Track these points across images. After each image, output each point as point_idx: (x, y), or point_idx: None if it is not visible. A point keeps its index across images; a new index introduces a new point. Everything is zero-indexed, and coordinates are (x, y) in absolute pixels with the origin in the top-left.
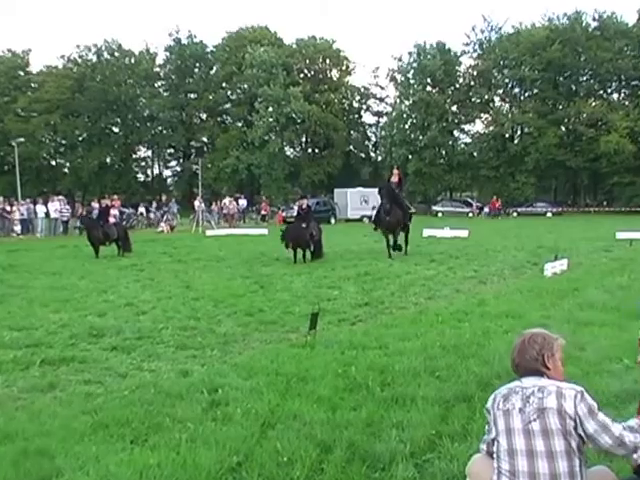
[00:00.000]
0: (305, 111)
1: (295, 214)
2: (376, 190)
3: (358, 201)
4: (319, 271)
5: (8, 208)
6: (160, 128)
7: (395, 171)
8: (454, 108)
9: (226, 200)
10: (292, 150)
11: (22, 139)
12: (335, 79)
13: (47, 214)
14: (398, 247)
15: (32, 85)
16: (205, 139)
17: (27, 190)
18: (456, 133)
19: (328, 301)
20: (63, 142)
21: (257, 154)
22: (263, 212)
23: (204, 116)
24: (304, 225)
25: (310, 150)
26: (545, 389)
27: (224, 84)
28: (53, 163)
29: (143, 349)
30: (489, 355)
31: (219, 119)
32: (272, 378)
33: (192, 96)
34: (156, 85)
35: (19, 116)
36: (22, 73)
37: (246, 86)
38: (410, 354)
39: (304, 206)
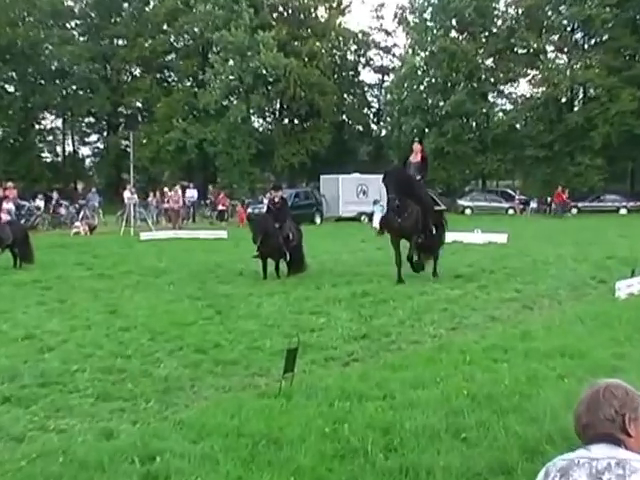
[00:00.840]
0: (280, 66)
1: (265, 211)
2: (380, 177)
3: (354, 192)
4: (299, 290)
5: None
6: (74, 87)
7: (416, 146)
8: (489, 62)
9: (171, 191)
10: (262, 121)
11: None
12: (322, 21)
13: None
14: (417, 266)
15: None
16: (139, 104)
17: None
18: (492, 97)
19: (311, 332)
20: None
21: (212, 126)
22: (220, 207)
23: (137, 72)
24: (277, 225)
25: (287, 121)
26: (628, 464)
27: (165, 26)
28: None
29: (49, 400)
30: (537, 410)
31: (159, 76)
32: (232, 441)
33: (120, 43)
34: (68, 26)
35: None
36: None
37: (197, 30)
38: (425, 407)
39: (277, 199)
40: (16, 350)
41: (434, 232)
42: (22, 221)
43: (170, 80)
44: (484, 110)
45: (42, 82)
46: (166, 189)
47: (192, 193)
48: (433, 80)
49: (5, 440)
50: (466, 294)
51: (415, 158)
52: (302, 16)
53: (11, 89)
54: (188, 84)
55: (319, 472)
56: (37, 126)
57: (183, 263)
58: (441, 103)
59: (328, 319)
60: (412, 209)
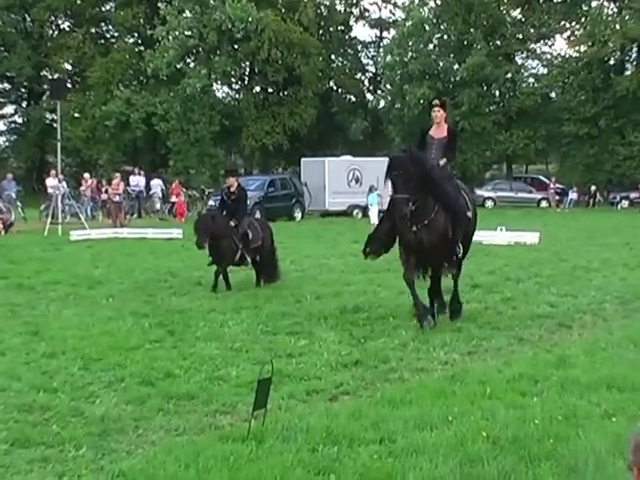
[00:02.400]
0: (252, 19)
1: (219, 202)
2: (377, 161)
3: (344, 179)
4: (273, 304)
5: None
6: None
7: (438, 112)
8: (516, 13)
9: (110, 179)
10: (227, 89)
11: None
12: None
13: None
14: (441, 303)
15: None
16: (68, 66)
17: None
18: (519, 59)
19: (289, 358)
20: None
21: (163, 95)
22: (174, 199)
23: (65, 25)
24: (232, 223)
25: (259, 90)
26: None
27: None
28: None
29: None
30: (576, 457)
31: (94, 31)
32: None
33: None
34: None
35: None
36: None
37: None
38: (434, 454)
39: (233, 188)
40: None
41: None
42: None
43: (108, 36)
44: (509, 75)
45: None
46: (114, 179)
47: (137, 181)
48: (445, 37)
49: None
50: (486, 309)
51: (438, 132)
52: None
53: None
54: (132, 41)
55: None
56: None
57: (126, 270)
58: (455, 67)
59: (310, 341)
60: (436, 215)
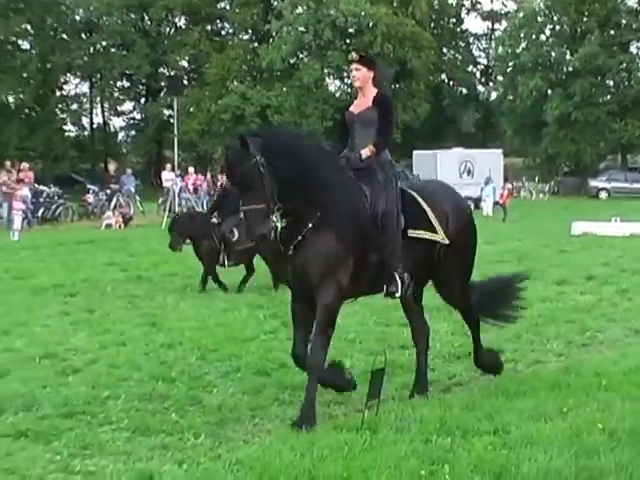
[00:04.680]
0: (365, 14)
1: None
2: (489, 152)
3: (456, 171)
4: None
5: None
6: (104, 44)
7: (357, 73)
8: (631, 2)
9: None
10: (339, 83)
11: None
12: None
13: None
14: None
15: None
16: (185, 63)
17: None
18: (635, 48)
19: (402, 349)
20: None
21: (277, 89)
22: None
23: (182, 22)
24: (215, 221)
25: None
26: None
27: None
28: None
29: (74, 435)
30: None
31: (209, 28)
32: None
33: None
34: None
35: None
36: None
37: None
38: (548, 445)
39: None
40: (33, 373)
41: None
42: (40, 211)
43: (224, 33)
44: (624, 65)
45: (64, 37)
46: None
47: None
48: (557, 28)
49: None
50: (601, 301)
51: (361, 103)
52: None
53: (26, 46)
54: (247, 38)
55: None
56: (58, 92)
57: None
58: (568, 57)
59: None
60: (322, 225)
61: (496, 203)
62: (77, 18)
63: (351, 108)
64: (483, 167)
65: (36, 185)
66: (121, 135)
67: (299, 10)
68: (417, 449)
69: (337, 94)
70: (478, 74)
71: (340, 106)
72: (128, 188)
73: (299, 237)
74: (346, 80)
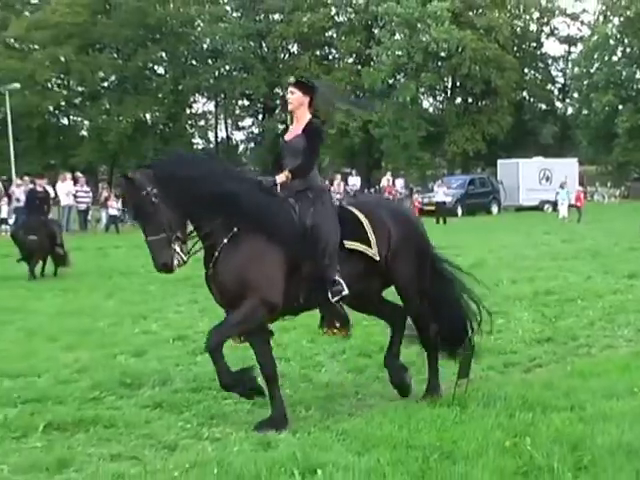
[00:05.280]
0: (454, 40)
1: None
2: (566, 162)
3: (536, 178)
4: (473, 287)
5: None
6: (228, 68)
7: (291, 96)
8: None
9: (334, 180)
10: (432, 100)
11: (16, 84)
12: None
13: (55, 199)
14: None
15: (31, 1)
16: None
17: (25, 163)
18: None
19: (487, 334)
20: (80, 89)
21: (377, 107)
22: (386, 196)
23: (295, 49)
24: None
25: (460, 100)
26: None
27: None
28: (64, 122)
29: (202, 407)
30: None
31: (318, 53)
32: (400, 453)
33: (276, 17)
34: (221, 2)
35: (12, 49)
36: None
37: (361, 1)
38: (621, 421)
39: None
40: (167, 352)
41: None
42: None
43: (331, 58)
44: None
45: (193, 63)
46: (336, 180)
47: (355, 181)
48: (628, 50)
49: (157, 448)
50: None
51: (294, 130)
52: None
53: (161, 71)
54: (351, 61)
55: None
56: (188, 110)
57: None
58: (637, 75)
59: (507, 320)
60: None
61: (571, 206)
62: (205, 46)
63: (286, 135)
64: (560, 174)
65: None
66: (241, 147)
67: (396, 37)
68: (502, 423)
69: (430, 109)
70: (556, 91)
71: (433, 120)
72: None
73: (215, 254)
74: (438, 97)
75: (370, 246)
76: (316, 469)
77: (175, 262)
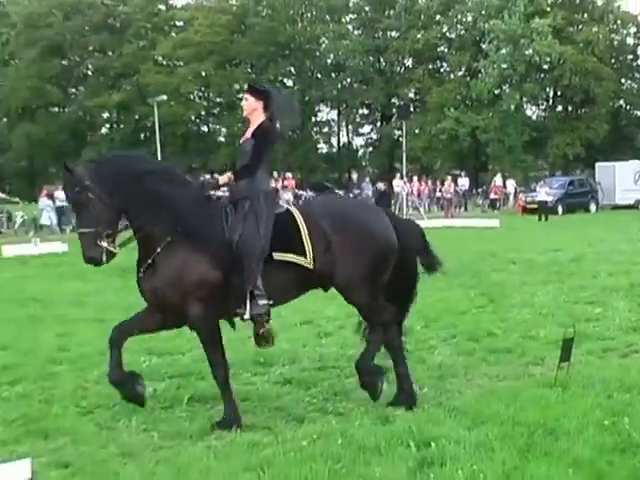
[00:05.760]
0: (555, 53)
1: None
2: None
3: (631, 179)
4: (573, 279)
5: None
6: (349, 80)
7: (244, 102)
8: None
9: (447, 181)
10: (535, 108)
11: (164, 96)
12: (600, 5)
13: None
14: None
15: (176, 24)
16: (411, 95)
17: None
18: None
19: (587, 322)
20: (218, 100)
21: (484, 114)
22: (493, 196)
23: (409, 62)
24: None
25: (561, 108)
26: None
27: (438, 17)
28: (204, 129)
29: (327, 384)
30: None
31: (431, 67)
32: (507, 429)
33: (393, 34)
34: (343, 21)
35: (160, 65)
36: (163, 8)
37: (470, 19)
38: None
39: None
40: (296, 335)
41: None
42: None
43: (442, 71)
44: None
45: (319, 76)
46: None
47: (463, 182)
48: None
49: (287, 420)
50: None
51: (247, 134)
52: (578, 1)
53: (289, 83)
54: (460, 74)
55: (598, 465)
56: (314, 118)
57: (455, 251)
58: None
59: (604, 309)
60: (175, 246)
61: None
62: (329, 61)
63: (242, 139)
64: None
65: (296, 190)
66: (361, 151)
67: (502, 51)
68: (601, 403)
69: (533, 117)
70: None
71: (535, 126)
72: (366, 192)
73: (148, 261)
74: (541, 106)
75: (305, 254)
76: (430, 442)
77: (104, 257)
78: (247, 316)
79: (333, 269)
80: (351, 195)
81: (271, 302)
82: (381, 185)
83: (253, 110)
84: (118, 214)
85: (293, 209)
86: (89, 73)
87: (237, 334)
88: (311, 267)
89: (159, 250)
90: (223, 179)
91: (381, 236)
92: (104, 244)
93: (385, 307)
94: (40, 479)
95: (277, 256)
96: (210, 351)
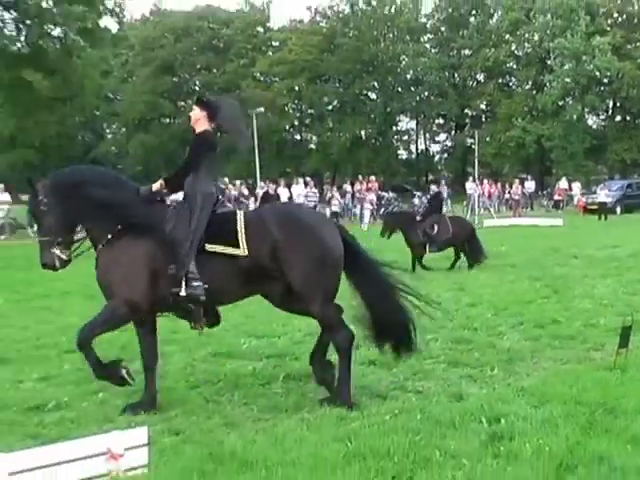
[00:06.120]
0: (614, 69)
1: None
2: None
3: None
4: (632, 273)
5: (246, 192)
6: (426, 93)
7: (191, 113)
8: None
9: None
10: (595, 118)
11: (261, 109)
12: None
13: (290, 199)
14: None
15: (273, 44)
16: (483, 106)
17: (266, 170)
18: None
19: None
20: (309, 111)
21: (549, 123)
22: (556, 197)
23: (481, 77)
24: (418, 218)
25: (619, 118)
26: None
27: (507, 36)
28: (297, 137)
29: (407, 365)
30: None
31: (500, 81)
32: (570, 408)
33: (466, 52)
34: (421, 40)
35: (258, 81)
36: (261, 30)
37: (536, 38)
38: None
39: None
40: None
41: None
42: (381, 210)
43: (511, 85)
44: None
45: (399, 90)
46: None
47: (530, 185)
48: None
49: (371, 397)
50: None
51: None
52: (635, 20)
53: (373, 96)
54: (527, 87)
55: None
56: (394, 128)
57: (522, 247)
58: None
59: None
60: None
61: None
62: (408, 76)
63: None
64: None
65: (379, 192)
66: (437, 157)
67: (565, 67)
68: None
69: (594, 126)
70: None
71: (596, 134)
72: (443, 194)
73: (95, 257)
74: (601, 116)
75: (238, 246)
76: (500, 418)
77: (57, 263)
78: (183, 293)
79: (282, 269)
80: (426, 196)
81: (206, 285)
82: (434, 188)
83: (197, 120)
84: (68, 223)
85: (239, 211)
86: (196, 88)
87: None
88: (243, 254)
89: (101, 246)
90: (155, 186)
91: (327, 242)
92: (57, 251)
93: (335, 311)
94: (155, 445)
95: (209, 247)
96: (98, 322)
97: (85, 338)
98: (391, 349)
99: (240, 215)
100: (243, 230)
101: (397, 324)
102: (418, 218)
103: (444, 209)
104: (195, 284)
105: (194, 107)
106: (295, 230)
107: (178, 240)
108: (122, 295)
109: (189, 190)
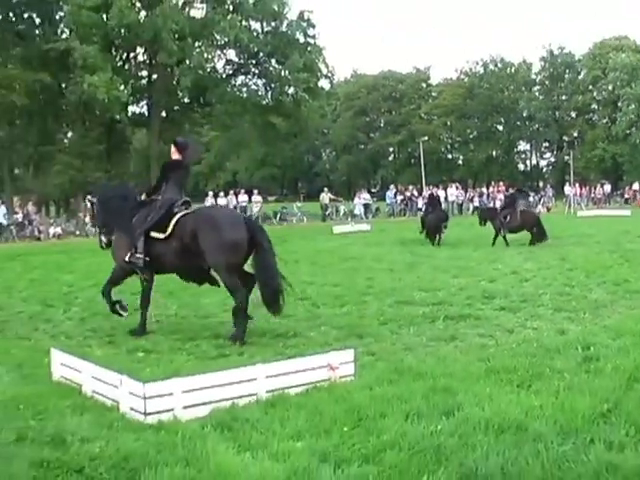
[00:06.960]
0: None
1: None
2: None
3: None
4: None
5: (416, 193)
6: (537, 126)
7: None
8: None
9: (598, 187)
10: None
11: (425, 137)
12: None
13: (446, 198)
14: None
15: (432, 94)
16: (575, 134)
17: (429, 179)
18: None
19: None
20: (457, 139)
21: (620, 146)
22: (626, 196)
23: (574, 114)
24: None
25: None
26: None
27: (590, 87)
28: (449, 156)
29: (526, 310)
30: None
31: (586, 117)
32: (637, 339)
33: (563, 98)
34: (533, 90)
35: (422, 119)
36: (424, 85)
37: (610, 87)
38: None
39: None
40: (507, 280)
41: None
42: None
43: (594, 119)
44: None
45: (518, 123)
46: (599, 187)
47: (607, 187)
48: None
49: (502, 331)
50: None
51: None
52: None
53: (500, 128)
54: (605, 121)
55: None
56: (515, 149)
57: (603, 230)
58: None
59: None
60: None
61: None
62: (524, 114)
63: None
64: None
65: (505, 192)
66: (544, 169)
67: (631, 106)
68: None
69: None
70: None
71: None
72: (549, 194)
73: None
74: None
75: (165, 232)
76: (589, 346)
77: (102, 245)
78: (126, 259)
79: (202, 253)
80: (538, 196)
81: (147, 259)
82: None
83: (173, 153)
84: (105, 220)
85: (181, 213)
86: (381, 125)
87: (472, 279)
88: (162, 237)
89: (113, 238)
90: (144, 197)
91: (226, 230)
92: (102, 238)
93: (238, 283)
94: (358, 361)
95: (152, 234)
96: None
97: (105, 290)
98: (268, 306)
99: (178, 215)
100: (173, 224)
101: (274, 291)
102: (498, 211)
103: (538, 208)
104: (138, 256)
105: (172, 145)
106: (206, 222)
107: (134, 227)
108: (118, 261)
109: (164, 196)
